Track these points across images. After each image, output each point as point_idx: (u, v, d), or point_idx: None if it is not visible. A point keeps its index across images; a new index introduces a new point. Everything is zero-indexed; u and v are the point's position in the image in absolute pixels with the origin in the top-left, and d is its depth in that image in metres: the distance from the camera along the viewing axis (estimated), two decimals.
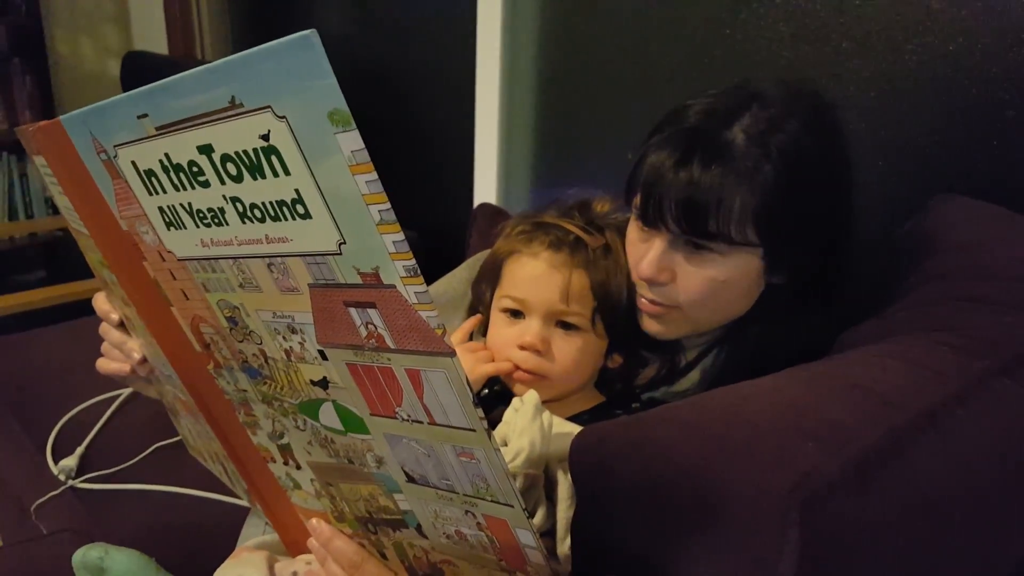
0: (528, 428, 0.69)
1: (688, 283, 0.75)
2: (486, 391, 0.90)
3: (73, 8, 2.49)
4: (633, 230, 0.79)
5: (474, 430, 0.43)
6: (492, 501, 0.48)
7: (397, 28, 1.72)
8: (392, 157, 1.81)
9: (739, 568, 0.52)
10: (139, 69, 2.03)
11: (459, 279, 1.05)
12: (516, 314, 0.82)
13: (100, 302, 0.78)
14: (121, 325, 0.77)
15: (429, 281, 1.07)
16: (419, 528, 0.55)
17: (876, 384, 0.60)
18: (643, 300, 0.79)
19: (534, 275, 0.80)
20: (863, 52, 1.00)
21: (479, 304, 0.91)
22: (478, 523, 0.51)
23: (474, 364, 0.82)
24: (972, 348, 0.65)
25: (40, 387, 1.32)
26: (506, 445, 0.70)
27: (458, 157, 1.58)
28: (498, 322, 0.84)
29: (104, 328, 0.78)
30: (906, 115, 0.98)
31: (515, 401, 0.71)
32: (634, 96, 1.29)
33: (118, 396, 1.26)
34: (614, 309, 0.81)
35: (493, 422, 0.74)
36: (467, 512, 0.50)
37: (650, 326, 0.80)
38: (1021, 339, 0.66)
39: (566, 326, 0.80)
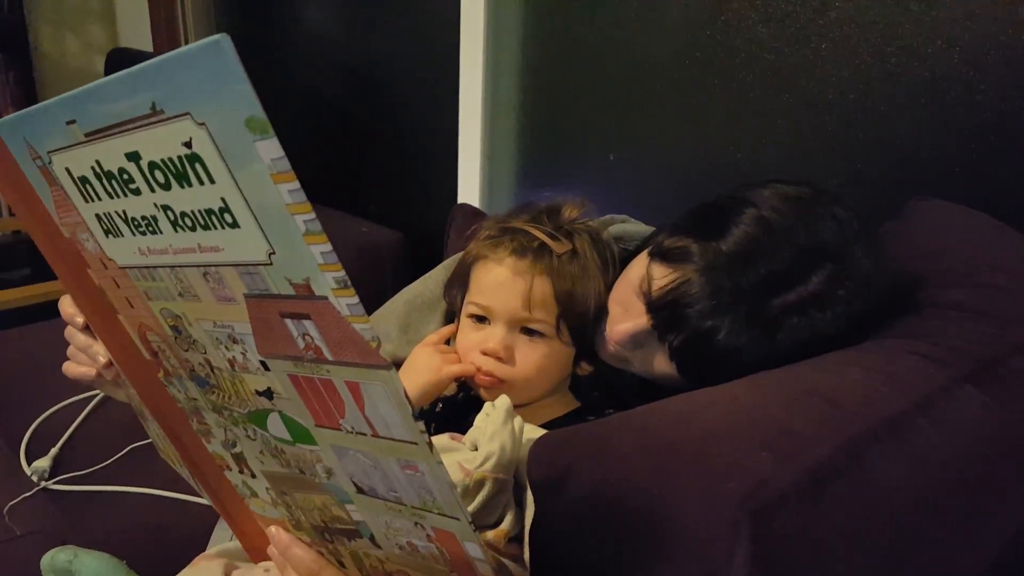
0: (499, 432, 0.68)
1: (652, 362, 0.76)
2: (461, 395, 0.90)
3: (58, 4, 2.48)
4: (637, 271, 0.76)
5: (416, 443, 0.43)
6: (439, 514, 0.47)
7: (381, 27, 1.71)
8: (376, 158, 1.80)
9: None
10: (124, 66, 2.01)
11: (435, 281, 1.04)
12: (481, 319, 0.82)
13: (66, 305, 0.77)
14: (87, 328, 0.76)
15: (408, 282, 1.07)
16: (372, 538, 0.55)
17: (835, 392, 0.59)
18: (610, 344, 0.79)
19: (497, 281, 0.80)
20: (842, 54, 0.99)
21: (452, 308, 0.91)
22: (428, 535, 0.50)
23: (441, 365, 0.82)
24: (937, 355, 0.64)
25: (15, 387, 1.31)
26: (476, 450, 0.70)
27: (442, 158, 1.57)
28: (465, 327, 0.84)
29: (69, 331, 0.77)
30: (884, 117, 0.97)
31: (486, 406, 0.71)
32: (617, 97, 1.28)
33: (93, 397, 1.25)
34: (580, 317, 0.80)
35: (466, 428, 0.73)
36: (416, 524, 0.50)
37: (611, 361, 0.82)
38: (988, 347, 0.66)
39: (530, 332, 0.80)
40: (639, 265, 0.76)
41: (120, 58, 2.09)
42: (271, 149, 0.32)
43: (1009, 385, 0.63)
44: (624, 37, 1.24)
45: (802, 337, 0.67)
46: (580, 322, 0.80)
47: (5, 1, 2.31)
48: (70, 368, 0.79)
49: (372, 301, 1.08)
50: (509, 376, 0.80)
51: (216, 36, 0.30)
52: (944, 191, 0.89)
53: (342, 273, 0.35)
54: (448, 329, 0.91)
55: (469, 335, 0.83)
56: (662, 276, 0.71)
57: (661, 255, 0.73)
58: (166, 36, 2.15)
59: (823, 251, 0.67)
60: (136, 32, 2.40)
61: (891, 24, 0.94)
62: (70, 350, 0.79)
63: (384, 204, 1.80)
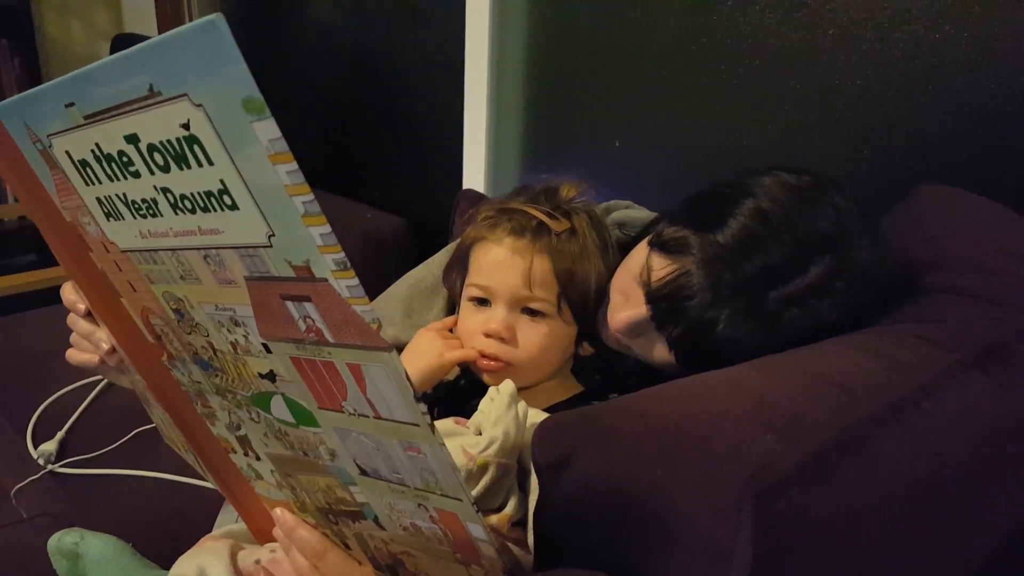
0: (503, 417, 0.68)
1: (652, 350, 0.76)
2: (464, 380, 0.90)
3: None
4: (638, 260, 0.76)
5: (418, 425, 0.43)
6: (442, 495, 0.47)
7: (386, 13, 1.70)
8: (381, 144, 1.80)
9: (694, 561, 0.51)
10: None
11: (438, 265, 1.04)
12: (482, 302, 0.82)
13: (68, 292, 0.77)
14: (89, 315, 0.76)
15: (411, 268, 1.07)
16: (376, 520, 0.55)
17: (841, 376, 0.59)
18: (611, 330, 0.79)
19: (497, 261, 0.80)
20: (849, 40, 0.98)
21: (452, 293, 0.91)
22: (431, 516, 0.50)
23: (443, 350, 0.82)
24: (943, 340, 0.64)
25: (22, 371, 1.32)
26: (480, 434, 0.70)
27: (447, 144, 1.57)
28: (466, 310, 0.84)
29: (72, 318, 0.77)
30: (891, 103, 0.96)
31: (491, 390, 0.71)
32: (623, 82, 1.27)
33: (99, 381, 1.26)
34: (580, 295, 0.80)
35: (470, 412, 0.74)
36: (419, 505, 0.50)
37: (613, 345, 0.82)
38: (994, 332, 0.65)
39: (532, 312, 0.80)
40: (640, 254, 0.76)
41: (125, 44, 2.08)
42: (268, 130, 0.32)
43: (1014, 370, 0.63)
44: (630, 22, 1.23)
45: (801, 327, 0.67)
46: (581, 300, 0.80)
47: None
48: (73, 355, 0.80)
49: (376, 287, 1.08)
50: (513, 358, 0.80)
51: (211, 16, 0.29)
52: (951, 177, 0.89)
53: (342, 255, 0.35)
54: (451, 319, 0.91)
55: (470, 317, 0.83)
56: (661, 267, 0.71)
57: (660, 246, 0.73)
58: (171, 21, 2.14)
59: (822, 242, 0.67)
60: (141, 17, 2.40)
61: (898, 10, 0.93)
62: (73, 337, 0.79)
63: (388, 190, 1.80)
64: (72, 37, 2.54)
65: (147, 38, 0.32)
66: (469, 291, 0.83)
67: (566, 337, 0.82)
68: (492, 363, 0.80)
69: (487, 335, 0.80)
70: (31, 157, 0.48)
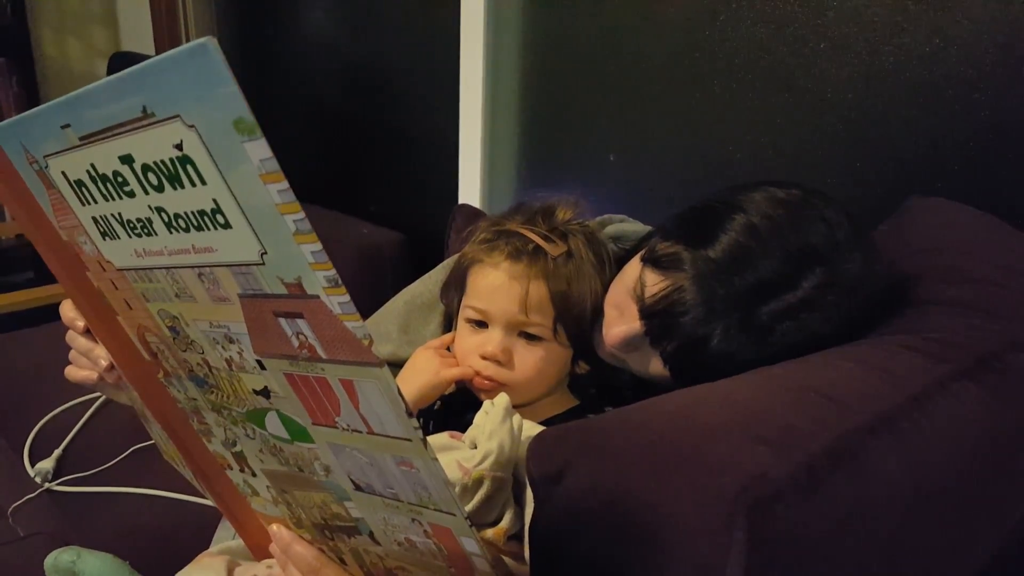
0: (498, 431, 0.69)
1: (647, 364, 0.76)
2: (460, 395, 0.90)
3: (60, 8, 2.49)
4: (632, 275, 0.77)
5: (410, 440, 0.43)
6: (435, 510, 0.48)
7: (382, 29, 1.71)
8: (377, 158, 1.81)
9: (687, 574, 0.51)
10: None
11: (434, 281, 1.05)
12: (479, 323, 0.82)
13: (67, 309, 0.78)
14: (88, 332, 0.77)
15: (409, 283, 1.08)
16: (372, 535, 0.55)
17: (833, 388, 0.59)
18: (607, 344, 0.79)
19: (494, 286, 0.80)
20: (840, 54, 0.99)
21: (449, 310, 0.92)
22: (425, 531, 0.50)
23: (440, 368, 0.82)
24: (935, 351, 0.64)
25: (20, 389, 1.32)
26: (475, 448, 0.70)
27: (442, 158, 1.58)
28: (463, 330, 0.84)
29: (71, 336, 0.78)
30: (882, 116, 0.97)
31: (486, 404, 0.71)
32: (616, 97, 1.28)
33: (96, 399, 1.26)
34: (576, 319, 0.80)
35: (465, 426, 0.74)
36: (413, 520, 0.50)
37: (608, 359, 0.82)
38: (985, 343, 0.66)
39: (528, 336, 0.80)
40: (633, 268, 0.77)
41: (122, 62, 2.10)
42: (259, 150, 0.32)
43: (1006, 380, 0.63)
44: (624, 37, 1.24)
45: (794, 341, 0.67)
46: (577, 324, 0.81)
47: (7, 5, 2.32)
48: (72, 372, 0.80)
49: (372, 302, 1.08)
50: (509, 379, 0.80)
51: (202, 39, 0.30)
52: (942, 189, 0.89)
53: (333, 272, 0.36)
54: (449, 337, 0.91)
55: (467, 339, 0.83)
56: (654, 283, 0.72)
57: (653, 261, 0.73)
58: (168, 39, 2.15)
59: (812, 256, 0.67)
60: (138, 35, 2.41)
61: (889, 23, 0.94)
62: (72, 354, 0.79)
63: (385, 205, 1.80)
64: (69, 55, 2.56)
65: (144, 56, 0.33)
66: (466, 312, 0.83)
67: (562, 359, 0.83)
68: (488, 383, 0.81)
69: (483, 357, 0.80)
70: (28, 177, 0.49)
